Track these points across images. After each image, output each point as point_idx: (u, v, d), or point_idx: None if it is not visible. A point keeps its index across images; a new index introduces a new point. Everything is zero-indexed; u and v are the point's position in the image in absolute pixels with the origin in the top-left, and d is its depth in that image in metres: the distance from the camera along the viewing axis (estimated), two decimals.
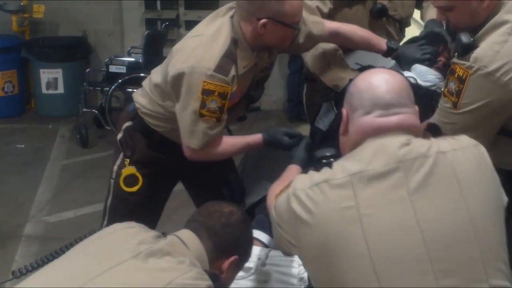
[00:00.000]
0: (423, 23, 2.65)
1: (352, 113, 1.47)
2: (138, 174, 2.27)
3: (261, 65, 2.21)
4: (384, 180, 1.36)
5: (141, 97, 2.28)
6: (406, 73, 2.45)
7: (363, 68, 2.52)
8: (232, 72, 2.01)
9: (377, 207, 1.35)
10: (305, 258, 1.45)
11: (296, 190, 1.43)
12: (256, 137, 2.18)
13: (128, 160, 2.29)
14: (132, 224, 1.63)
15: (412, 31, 2.91)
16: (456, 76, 1.81)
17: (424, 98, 2.35)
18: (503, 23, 1.78)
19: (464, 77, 1.79)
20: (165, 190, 2.43)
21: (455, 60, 1.85)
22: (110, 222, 2.31)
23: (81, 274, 1.42)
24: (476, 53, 1.77)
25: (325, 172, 1.43)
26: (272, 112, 6.04)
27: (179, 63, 2.04)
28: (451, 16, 1.88)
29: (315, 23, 2.35)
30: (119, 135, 2.33)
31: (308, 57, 2.56)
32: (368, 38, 2.44)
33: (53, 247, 3.42)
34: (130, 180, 2.28)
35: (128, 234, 1.56)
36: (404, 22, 2.75)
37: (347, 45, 2.53)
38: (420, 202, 1.35)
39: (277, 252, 1.96)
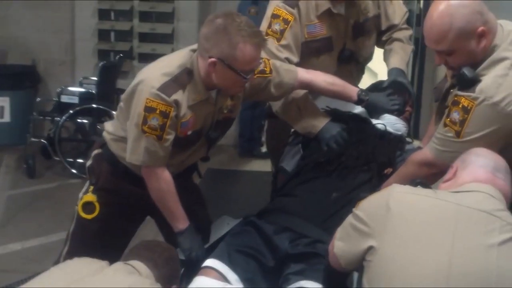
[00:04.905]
0: (385, 65, 2.74)
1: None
2: (96, 203, 2.30)
3: (221, 105, 2.24)
4: None
5: (109, 124, 2.35)
6: (375, 121, 2.55)
7: (330, 111, 2.60)
8: (176, 96, 2.08)
9: None
10: None
11: None
12: (182, 221, 2.21)
13: (92, 187, 2.32)
14: (85, 257, 1.78)
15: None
16: (460, 106, 1.93)
17: (394, 141, 2.48)
18: (502, 59, 1.93)
19: (469, 108, 1.91)
20: (130, 223, 2.42)
21: (458, 92, 1.96)
22: (71, 248, 2.37)
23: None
24: (481, 85, 1.91)
25: None
26: (222, 147, 6.04)
27: (133, 82, 2.14)
28: (450, 59, 1.99)
29: (288, 71, 2.39)
30: (88, 162, 2.38)
31: (279, 105, 2.56)
32: (339, 91, 2.48)
33: (0, 280, 3.35)
34: (88, 207, 2.31)
35: (83, 263, 1.73)
36: (366, 62, 2.85)
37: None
38: None
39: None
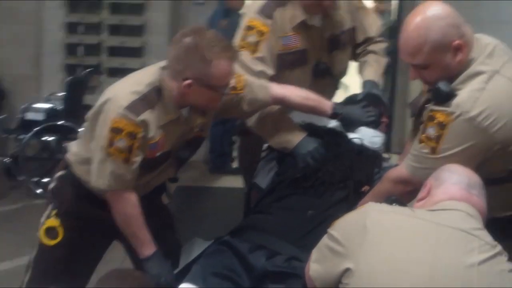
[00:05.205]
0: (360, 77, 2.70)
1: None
2: (59, 228, 2.19)
3: (192, 124, 2.17)
4: None
5: (73, 144, 2.25)
6: (351, 135, 2.51)
7: (305, 126, 2.53)
8: (144, 116, 1.99)
9: None
10: None
11: None
12: (149, 246, 2.10)
13: (55, 211, 2.22)
14: None
15: None
16: (435, 122, 1.89)
17: (371, 157, 2.43)
18: (478, 73, 1.89)
19: (445, 123, 1.87)
20: (95, 248, 2.31)
21: (434, 107, 1.92)
22: (34, 276, 2.24)
23: None
24: (457, 99, 1.86)
25: None
26: (193, 163, 5.91)
27: (99, 100, 2.05)
28: (426, 73, 1.94)
29: (261, 87, 2.33)
30: (51, 185, 2.27)
31: (253, 120, 2.48)
32: (314, 106, 2.42)
33: None
34: (51, 232, 2.20)
35: None
36: (341, 76, 2.80)
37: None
38: None
39: None
